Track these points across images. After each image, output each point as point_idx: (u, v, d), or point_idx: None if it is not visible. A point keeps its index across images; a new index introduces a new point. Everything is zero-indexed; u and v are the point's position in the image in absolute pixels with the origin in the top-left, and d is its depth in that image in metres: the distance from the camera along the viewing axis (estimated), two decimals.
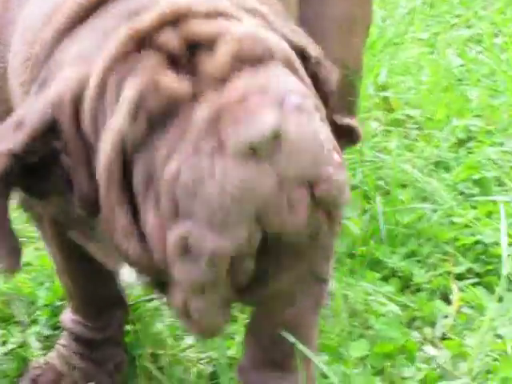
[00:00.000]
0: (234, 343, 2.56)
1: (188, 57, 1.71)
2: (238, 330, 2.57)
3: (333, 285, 2.53)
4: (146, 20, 1.72)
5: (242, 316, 2.58)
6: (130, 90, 1.65)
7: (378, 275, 2.78)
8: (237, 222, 1.60)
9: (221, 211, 1.59)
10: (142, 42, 1.71)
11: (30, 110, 1.77)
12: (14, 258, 1.89)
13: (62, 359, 2.48)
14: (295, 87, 1.73)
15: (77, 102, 1.70)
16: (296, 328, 2.17)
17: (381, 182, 3.17)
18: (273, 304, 2.16)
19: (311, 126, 1.67)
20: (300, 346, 2.15)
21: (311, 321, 2.23)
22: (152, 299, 2.74)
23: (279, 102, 1.64)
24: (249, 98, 1.64)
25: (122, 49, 1.69)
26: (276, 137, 1.59)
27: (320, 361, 2.24)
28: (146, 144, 1.67)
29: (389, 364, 2.44)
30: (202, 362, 2.58)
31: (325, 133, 1.71)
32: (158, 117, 1.66)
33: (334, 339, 2.47)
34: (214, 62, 1.69)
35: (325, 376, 2.28)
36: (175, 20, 1.73)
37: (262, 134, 1.58)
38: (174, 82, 1.66)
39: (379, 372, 2.44)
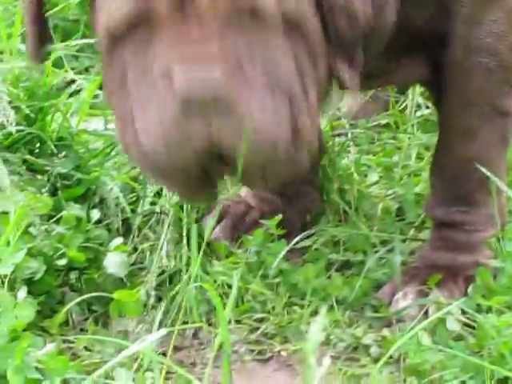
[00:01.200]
0: (420, 180, 2.56)
1: None
2: (424, 167, 2.57)
3: None
4: None
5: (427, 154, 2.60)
6: None
7: None
8: None
9: None
10: None
11: None
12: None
13: (251, 193, 2.53)
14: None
15: None
16: (482, 163, 2.15)
17: None
18: (455, 138, 2.19)
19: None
20: (492, 178, 2.15)
21: (498, 155, 2.23)
22: (339, 134, 2.76)
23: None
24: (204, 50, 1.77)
25: None
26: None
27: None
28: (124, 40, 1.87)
29: None
30: (388, 197, 2.59)
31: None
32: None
33: None
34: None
35: None
36: None
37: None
38: None
39: None
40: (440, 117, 2.22)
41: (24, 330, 1.96)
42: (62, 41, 3.19)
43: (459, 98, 2.16)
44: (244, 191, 2.53)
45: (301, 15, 1.83)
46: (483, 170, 2.14)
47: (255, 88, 1.80)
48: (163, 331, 1.94)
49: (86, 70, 3.10)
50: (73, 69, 3.06)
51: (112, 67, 1.90)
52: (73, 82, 2.89)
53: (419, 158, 2.69)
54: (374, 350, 2.08)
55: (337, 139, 2.75)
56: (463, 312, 2.10)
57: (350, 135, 2.79)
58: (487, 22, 2.09)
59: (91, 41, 3.01)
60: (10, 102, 2.46)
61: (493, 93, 2.15)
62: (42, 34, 2.08)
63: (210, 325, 2.12)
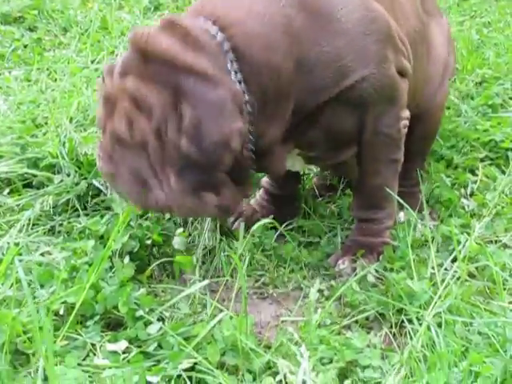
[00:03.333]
0: (350, 196, 2.55)
1: None
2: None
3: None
4: None
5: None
6: None
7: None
8: None
9: None
10: None
11: None
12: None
13: (257, 203, 2.50)
14: None
15: None
16: (384, 186, 2.16)
17: None
18: (368, 175, 2.18)
19: None
20: (392, 193, 2.16)
21: (392, 181, 2.19)
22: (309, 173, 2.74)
23: None
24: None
25: None
26: None
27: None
28: None
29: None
30: (333, 205, 2.54)
31: None
32: None
33: None
34: None
35: None
36: None
37: None
38: None
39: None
40: (359, 165, 2.18)
41: (127, 280, 1.97)
42: None
43: (370, 157, 2.15)
44: (252, 201, 2.51)
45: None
46: (387, 189, 2.15)
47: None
48: (206, 281, 1.95)
49: None
50: None
51: None
52: None
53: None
54: (326, 293, 2.07)
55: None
56: (376, 271, 2.10)
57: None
58: (384, 119, 2.09)
59: None
60: None
61: (388, 152, 2.15)
62: None
63: (232, 276, 2.11)
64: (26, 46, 3.86)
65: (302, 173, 2.55)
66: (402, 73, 2.12)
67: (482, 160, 2.74)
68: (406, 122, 2.16)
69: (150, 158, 1.83)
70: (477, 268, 2.07)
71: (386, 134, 2.11)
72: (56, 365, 1.65)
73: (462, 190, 2.57)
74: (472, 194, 2.55)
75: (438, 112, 2.49)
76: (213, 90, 1.78)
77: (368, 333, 1.90)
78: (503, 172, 2.64)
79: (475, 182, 2.60)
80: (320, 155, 2.14)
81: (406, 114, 2.16)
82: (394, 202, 2.20)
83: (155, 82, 1.79)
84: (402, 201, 2.15)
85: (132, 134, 1.82)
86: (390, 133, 2.11)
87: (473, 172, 2.70)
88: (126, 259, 2.07)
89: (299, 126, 2.01)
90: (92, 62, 3.51)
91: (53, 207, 2.34)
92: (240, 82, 1.85)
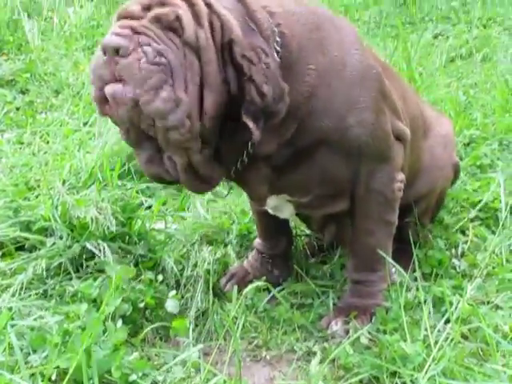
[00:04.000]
0: (344, 259, 2.55)
1: None
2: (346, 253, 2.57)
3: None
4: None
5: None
6: None
7: None
8: None
9: None
10: None
11: None
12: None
13: (249, 264, 2.51)
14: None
15: None
16: (378, 248, 2.18)
17: None
18: (361, 235, 2.20)
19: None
20: (385, 256, 2.17)
21: (386, 243, 2.22)
22: (301, 235, 2.75)
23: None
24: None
25: None
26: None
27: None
28: None
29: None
30: (325, 266, 2.55)
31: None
32: None
33: None
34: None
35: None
36: None
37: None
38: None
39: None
40: (352, 223, 2.20)
41: (120, 344, 1.97)
42: None
43: (363, 214, 2.17)
44: (245, 262, 2.52)
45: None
46: (380, 252, 2.17)
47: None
48: (200, 345, 1.96)
49: (153, 194, 3.02)
50: (144, 194, 2.97)
51: None
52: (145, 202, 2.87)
53: None
54: (319, 355, 2.06)
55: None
56: (369, 333, 2.11)
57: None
58: (377, 176, 2.12)
59: None
60: (112, 214, 2.47)
61: (381, 212, 2.18)
62: None
63: (225, 339, 2.11)
64: (18, 109, 3.90)
65: (292, 225, 2.57)
66: (398, 137, 2.17)
67: (472, 220, 2.76)
68: (401, 185, 2.19)
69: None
70: (469, 329, 2.07)
71: (378, 191, 2.13)
72: None
73: (453, 251, 2.58)
74: (463, 255, 2.57)
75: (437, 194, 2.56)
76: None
77: None
78: (493, 232, 2.66)
79: (466, 242, 2.62)
80: (311, 202, 2.16)
81: (401, 176, 2.19)
82: (387, 264, 2.21)
83: None
84: (394, 263, 2.17)
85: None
86: (383, 191, 2.14)
87: (463, 232, 2.71)
88: (119, 323, 2.06)
89: (295, 157, 2.04)
90: (84, 124, 3.55)
91: (45, 270, 2.34)
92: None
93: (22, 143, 3.40)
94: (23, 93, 4.15)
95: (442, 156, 2.53)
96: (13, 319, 2.04)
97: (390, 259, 2.19)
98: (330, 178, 2.09)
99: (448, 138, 2.60)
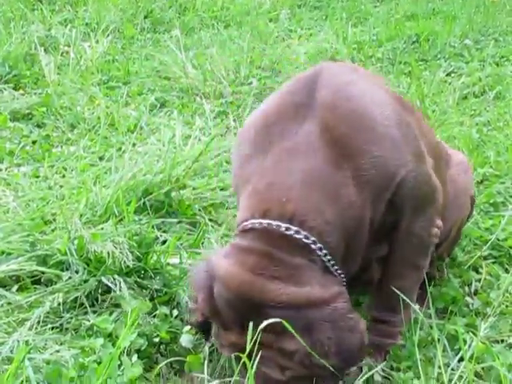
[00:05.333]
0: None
1: None
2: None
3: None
4: None
5: None
6: None
7: None
8: None
9: None
10: None
11: None
12: None
13: None
14: None
15: None
16: (404, 291, 2.15)
17: None
18: (391, 277, 2.19)
19: None
20: (407, 300, 2.16)
21: (414, 287, 2.24)
22: None
23: None
24: None
25: None
26: None
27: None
28: None
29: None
30: None
31: None
32: None
33: None
34: None
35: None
36: None
37: None
38: None
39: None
40: (385, 266, 2.20)
41: (135, 379, 1.99)
42: None
43: (397, 258, 2.18)
44: None
45: None
46: (403, 296, 2.15)
47: None
48: (216, 381, 1.97)
49: (168, 229, 3.04)
50: (159, 229, 2.97)
51: None
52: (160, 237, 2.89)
53: None
54: None
55: None
56: (383, 370, 2.12)
57: None
58: (419, 221, 2.13)
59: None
60: (128, 249, 2.50)
61: (415, 257, 2.20)
62: None
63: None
64: (34, 142, 3.95)
65: None
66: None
67: (485, 258, 2.78)
68: (438, 232, 2.22)
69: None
70: (483, 368, 2.09)
71: (418, 235, 2.14)
72: None
73: (466, 288, 2.60)
74: (476, 293, 2.58)
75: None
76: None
77: None
78: (506, 270, 2.68)
79: (479, 281, 2.63)
80: None
81: (439, 222, 2.22)
82: (410, 308, 2.20)
83: None
84: (408, 300, 2.18)
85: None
86: (421, 235, 2.15)
87: (476, 270, 2.72)
88: (134, 357, 2.09)
89: None
90: (100, 158, 3.59)
91: (62, 304, 2.37)
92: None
93: (38, 177, 3.44)
94: (39, 127, 4.19)
95: (463, 185, 2.56)
96: (29, 353, 2.07)
97: (413, 304, 2.19)
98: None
99: (465, 165, 2.63)
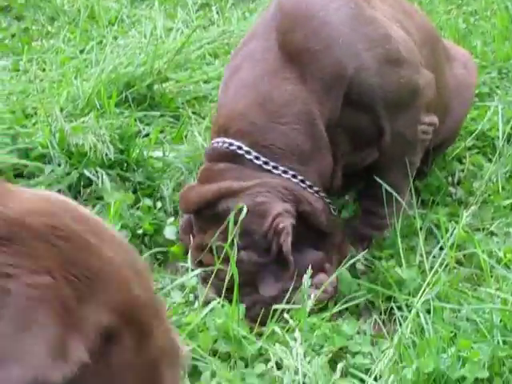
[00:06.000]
0: None
1: None
2: None
3: None
4: None
5: None
6: None
7: None
8: None
9: None
10: None
11: None
12: None
13: None
14: None
15: None
16: (393, 185, 2.18)
17: None
18: (383, 172, 2.21)
19: None
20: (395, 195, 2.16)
21: (403, 184, 2.24)
22: None
23: None
24: None
25: None
26: None
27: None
28: None
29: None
30: None
31: None
32: None
33: None
34: None
35: None
36: None
37: None
38: None
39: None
40: (377, 165, 2.22)
41: None
42: None
43: (386, 157, 2.19)
44: None
45: None
46: (389, 188, 2.16)
47: None
48: (198, 270, 1.98)
49: (150, 122, 2.98)
50: (142, 122, 2.90)
51: None
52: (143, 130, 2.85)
53: None
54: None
55: None
56: (365, 259, 2.14)
57: None
58: (400, 120, 2.14)
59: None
60: (110, 142, 2.47)
61: (402, 154, 2.19)
62: None
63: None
64: (13, 36, 3.85)
65: None
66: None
67: (469, 148, 2.76)
68: (428, 128, 2.21)
69: None
70: (464, 255, 2.11)
71: (402, 133, 2.16)
72: None
73: (450, 178, 2.60)
74: (459, 182, 2.58)
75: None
76: None
77: (358, 320, 1.94)
78: (490, 160, 2.67)
79: (462, 171, 2.63)
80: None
81: (430, 119, 2.22)
82: (400, 204, 2.19)
83: None
84: (395, 193, 2.17)
85: None
86: (405, 133, 2.17)
87: (460, 160, 2.71)
88: None
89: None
90: (81, 51, 3.51)
91: None
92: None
93: (18, 70, 3.36)
94: (18, 19, 4.08)
95: (464, 80, 2.54)
96: None
97: (403, 202, 2.19)
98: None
99: (465, 59, 2.64)
